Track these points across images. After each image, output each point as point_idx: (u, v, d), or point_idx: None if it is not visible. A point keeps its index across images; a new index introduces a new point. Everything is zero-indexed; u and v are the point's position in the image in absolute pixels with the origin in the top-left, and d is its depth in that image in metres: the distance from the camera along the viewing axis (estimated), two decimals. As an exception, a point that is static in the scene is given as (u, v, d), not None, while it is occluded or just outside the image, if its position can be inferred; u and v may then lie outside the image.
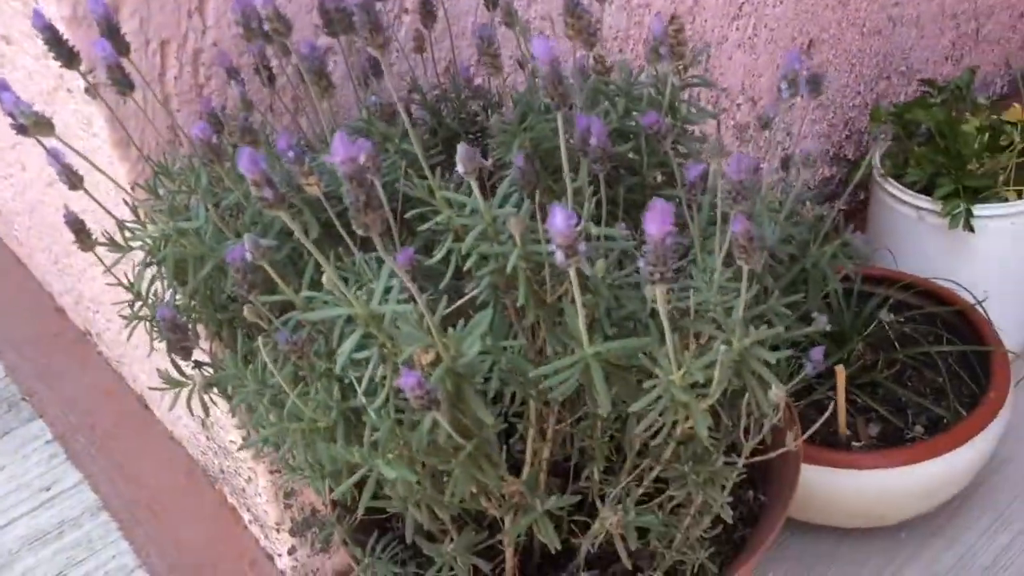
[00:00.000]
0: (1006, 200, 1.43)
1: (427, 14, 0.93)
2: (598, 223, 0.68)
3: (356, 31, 0.81)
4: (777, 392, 0.73)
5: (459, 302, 0.65)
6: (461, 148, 0.56)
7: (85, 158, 0.83)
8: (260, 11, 0.68)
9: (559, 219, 0.50)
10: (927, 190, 1.45)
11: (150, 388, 0.89)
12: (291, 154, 0.70)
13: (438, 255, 0.63)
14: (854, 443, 1.34)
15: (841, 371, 1.22)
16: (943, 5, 1.78)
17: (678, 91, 0.78)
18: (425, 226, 0.65)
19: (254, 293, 0.68)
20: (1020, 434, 1.46)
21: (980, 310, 1.39)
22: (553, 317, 0.64)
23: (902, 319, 1.48)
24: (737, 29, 1.44)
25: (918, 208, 1.45)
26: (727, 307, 0.62)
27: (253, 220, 0.75)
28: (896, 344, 1.45)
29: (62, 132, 0.78)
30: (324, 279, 0.65)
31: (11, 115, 0.70)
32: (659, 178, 0.77)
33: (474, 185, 0.58)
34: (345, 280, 0.70)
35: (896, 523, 1.34)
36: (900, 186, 1.48)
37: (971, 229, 1.40)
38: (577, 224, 0.50)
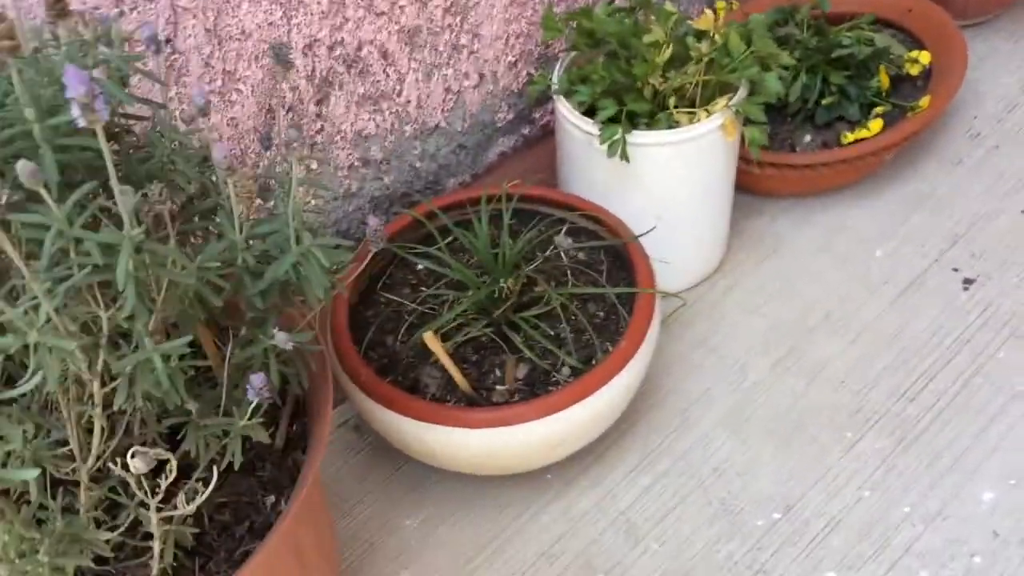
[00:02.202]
0: (678, 124, 1.33)
1: None
2: None
3: None
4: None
5: None
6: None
7: None
8: None
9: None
10: (594, 111, 1.34)
11: None
12: None
13: None
14: (498, 386, 1.28)
15: (431, 337, 1.13)
16: None
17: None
18: None
19: None
20: (684, 367, 1.42)
21: (639, 245, 1.32)
22: None
23: (579, 246, 1.40)
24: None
25: (586, 132, 1.34)
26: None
27: None
28: (569, 272, 1.38)
29: None
30: None
31: None
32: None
33: None
34: None
35: (540, 468, 1.31)
36: (568, 106, 1.36)
37: (626, 159, 1.30)
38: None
